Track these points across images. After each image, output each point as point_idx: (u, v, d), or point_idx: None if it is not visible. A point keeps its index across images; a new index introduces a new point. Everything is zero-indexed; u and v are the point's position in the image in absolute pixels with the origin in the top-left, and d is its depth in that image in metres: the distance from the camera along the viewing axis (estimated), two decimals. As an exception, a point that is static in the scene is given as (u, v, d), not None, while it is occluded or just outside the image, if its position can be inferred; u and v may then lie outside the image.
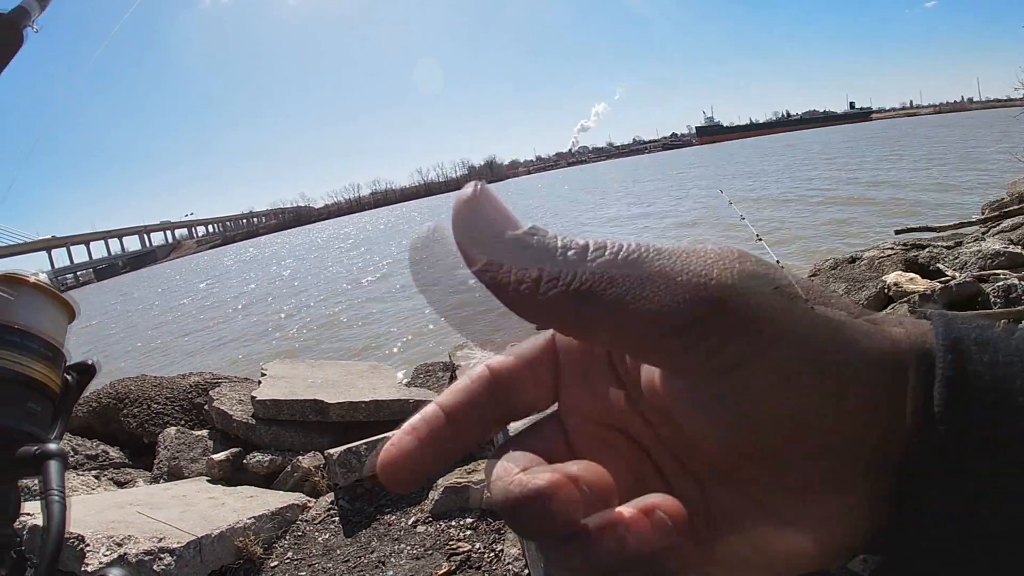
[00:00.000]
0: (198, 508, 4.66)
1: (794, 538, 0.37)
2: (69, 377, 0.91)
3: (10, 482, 0.84)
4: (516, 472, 0.34)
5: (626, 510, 0.33)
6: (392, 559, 4.14)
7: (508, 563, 3.72)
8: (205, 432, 6.49)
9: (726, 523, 0.39)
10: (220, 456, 5.63)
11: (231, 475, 5.58)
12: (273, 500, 4.97)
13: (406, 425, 0.39)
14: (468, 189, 0.35)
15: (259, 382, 6.75)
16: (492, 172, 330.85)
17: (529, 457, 0.38)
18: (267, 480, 5.55)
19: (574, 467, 0.33)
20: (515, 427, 0.44)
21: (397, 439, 0.39)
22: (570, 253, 0.33)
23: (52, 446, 0.81)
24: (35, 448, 0.80)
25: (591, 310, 0.33)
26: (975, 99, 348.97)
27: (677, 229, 25.69)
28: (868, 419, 0.35)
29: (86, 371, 0.94)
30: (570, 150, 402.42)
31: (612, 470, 0.36)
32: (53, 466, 0.79)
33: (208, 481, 5.55)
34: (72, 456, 5.91)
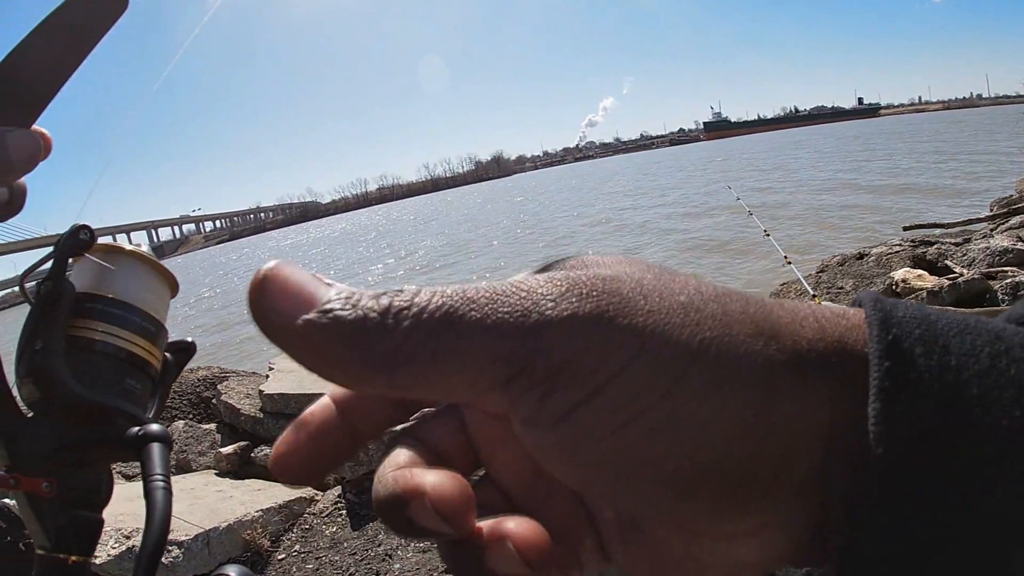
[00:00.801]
0: (206, 501, 4.68)
1: (724, 548, 0.34)
2: (167, 355, 0.88)
3: (105, 464, 0.80)
4: (389, 471, 0.33)
5: (485, 528, 0.31)
6: (399, 552, 4.15)
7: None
8: (213, 426, 6.51)
9: (639, 535, 0.36)
10: (228, 450, 5.65)
11: (239, 468, 5.60)
12: (280, 493, 4.98)
13: (297, 419, 0.38)
14: (258, 273, 0.32)
15: (267, 376, 6.72)
16: (499, 167, 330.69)
17: (408, 455, 0.35)
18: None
19: (431, 477, 0.31)
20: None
21: (285, 435, 0.37)
22: (370, 324, 0.30)
23: (154, 427, 0.77)
24: (137, 429, 0.76)
25: (404, 381, 0.31)
26: (984, 95, 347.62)
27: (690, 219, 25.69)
28: (773, 444, 0.31)
29: (184, 350, 0.90)
30: (577, 145, 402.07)
31: (509, 464, 0.37)
32: (156, 449, 0.75)
33: (216, 474, 5.57)
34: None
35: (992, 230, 9.88)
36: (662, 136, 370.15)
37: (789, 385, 0.32)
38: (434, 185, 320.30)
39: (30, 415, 0.74)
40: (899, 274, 7.52)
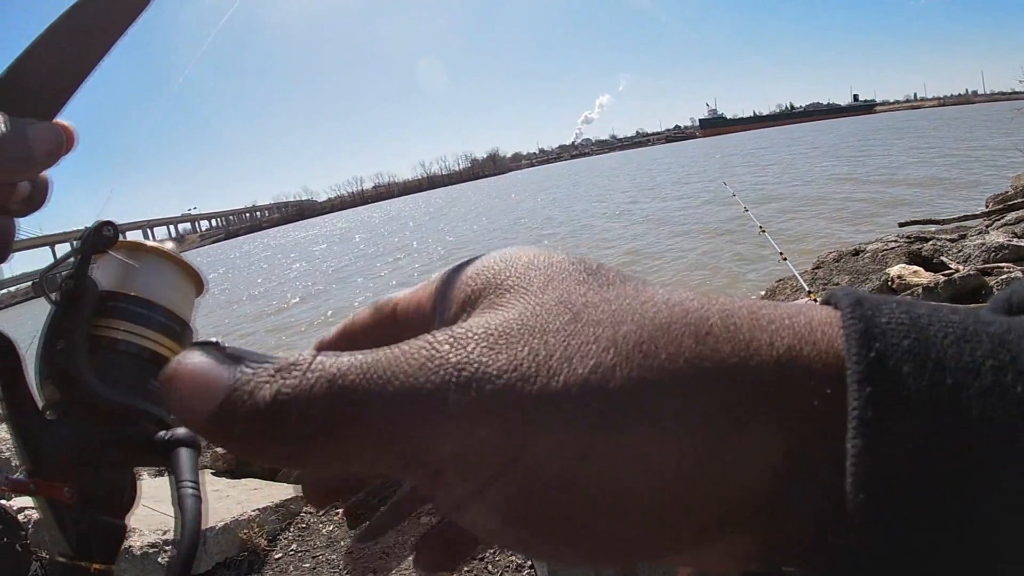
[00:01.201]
0: (202, 501, 4.68)
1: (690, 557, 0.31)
2: None
3: (128, 468, 0.77)
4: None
5: None
6: (396, 550, 4.09)
7: (512, 555, 3.73)
8: None
9: None
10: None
11: (236, 467, 5.60)
12: (277, 492, 4.99)
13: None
14: (166, 368, 0.31)
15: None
16: (495, 165, 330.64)
17: None
18: (272, 472, 5.52)
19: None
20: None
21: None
22: (265, 415, 0.28)
23: (182, 431, 0.75)
24: (164, 433, 0.74)
25: (317, 463, 0.30)
26: (979, 92, 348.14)
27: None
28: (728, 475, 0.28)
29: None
30: (573, 142, 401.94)
31: None
32: (185, 454, 0.73)
33: (212, 474, 5.57)
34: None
35: (988, 226, 9.89)
36: (658, 133, 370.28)
37: (722, 438, 0.28)
38: (430, 183, 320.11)
39: (51, 417, 0.71)
40: (895, 270, 7.53)
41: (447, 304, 0.36)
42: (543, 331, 0.30)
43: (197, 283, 0.86)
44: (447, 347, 0.29)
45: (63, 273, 0.74)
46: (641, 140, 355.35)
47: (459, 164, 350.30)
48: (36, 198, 0.60)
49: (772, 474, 0.28)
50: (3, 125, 0.50)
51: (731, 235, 18.19)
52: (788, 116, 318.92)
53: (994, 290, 6.15)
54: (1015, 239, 7.78)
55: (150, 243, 0.82)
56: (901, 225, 11.66)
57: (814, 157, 48.55)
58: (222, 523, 4.27)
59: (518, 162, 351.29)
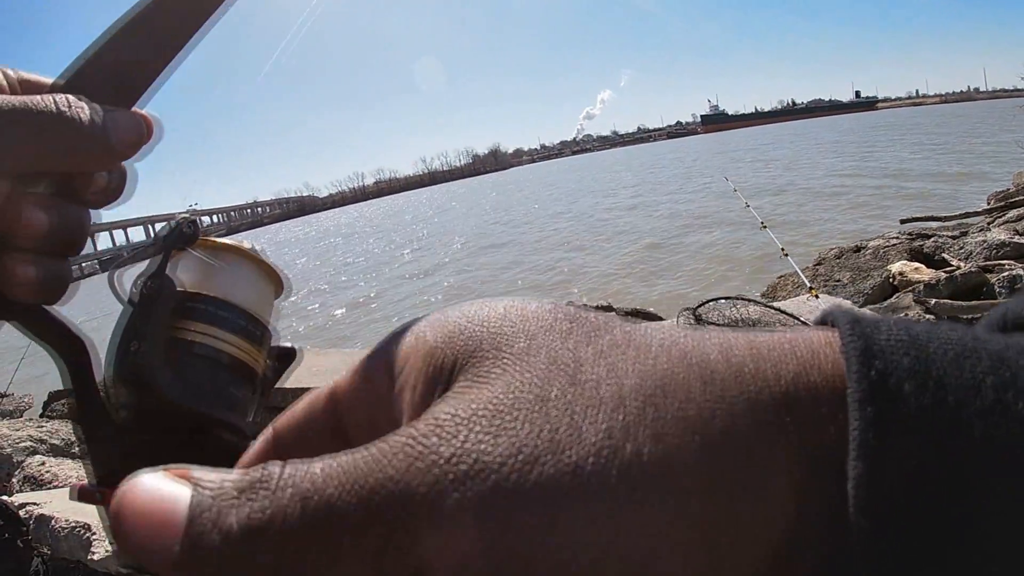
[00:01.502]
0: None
1: None
2: (269, 362, 0.80)
3: None
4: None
5: None
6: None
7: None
8: None
9: None
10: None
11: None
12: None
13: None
14: (113, 503, 0.28)
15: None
16: (496, 160, 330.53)
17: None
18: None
19: None
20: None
21: None
22: (235, 551, 0.25)
23: None
24: (245, 445, 0.72)
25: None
26: (981, 89, 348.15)
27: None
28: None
29: (286, 356, 0.82)
30: (575, 138, 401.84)
31: None
32: None
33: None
34: (79, 446, 5.96)
35: (989, 223, 9.89)
36: (660, 129, 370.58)
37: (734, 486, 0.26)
38: (431, 179, 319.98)
39: (122, 422, 0.68)
40: (896, 267, 7.54)
41: (408, 381, 0.32)
42: (541, 401, 0.27)
43: (277, 284, 0.82)
44: (435, 439, 0.26)
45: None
46: (642, 136, 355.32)
47: (460, 160, 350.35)
48: (115, 189, 0.59)
49: (791, 515, 0.26)
50: (83, 113, 0.49)
51: (732, 231, 18.21)
52: (790, 112, 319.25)
53: (996, 287, 6.15)
54: (1016, 236, 7.78)
55: (230, 241, 0.78)
56: (903, 222, 11.68)
57: (816, 153, 48.58)
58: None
59: (519, 158, 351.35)
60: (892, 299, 6.68)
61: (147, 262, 0.73)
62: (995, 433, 0.24)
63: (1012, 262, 6.91)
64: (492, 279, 20.36)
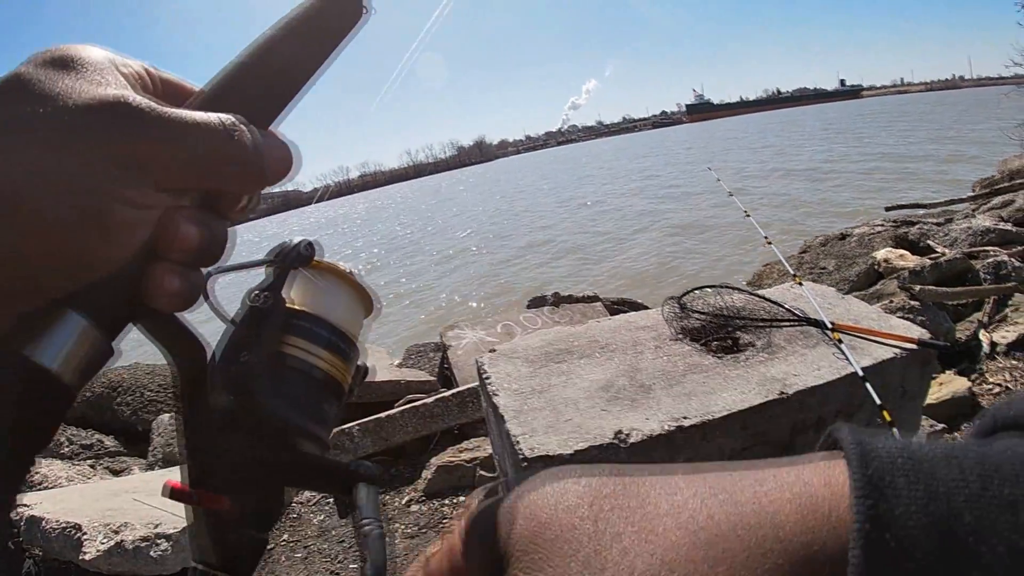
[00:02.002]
0: (193, 493, 4.67)
1: None
2: None
3: (283, 488, 0.75)
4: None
5: None
6: (387, 539, 4.15)
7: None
8: (89, 381, 6.47)
9: None
10: (214, 441, 5.65)
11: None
12: (268, 484, 4.99)
13: None
14: None
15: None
16: (481, 152, 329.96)
17: None
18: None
19: None
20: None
21: None
22: None
23: (367, 464, 0.73)
24: (349, 463, 0.72)
25: None
26: (966, 77, 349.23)
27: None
28: None
29: (363, 373, 0.85)
30: (559, 129, 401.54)
31: None
32: (369, 489, 0.72)
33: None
34: (68, 446, 5.91)
35: (974, 210, 9.94)
36: (645, 119, 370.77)
37: None
38: (416, 171, 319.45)
39: (219, 427, 0.69)
40: (881, 254, 7.57)
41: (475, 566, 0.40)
42: None
43: (368, 305, 0.85)
44: None
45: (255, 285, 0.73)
46: (628, 126, 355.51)
47: (445, 152, 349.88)
48: (252, 208, 0.60)
49: None
50: (247, 138, 0.50)
51: (717, 221, 18.26)
52: (775, 101, 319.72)
53: (980, 273, 6.19)
54: (1001, 223, 7.82)
55: (330, 262, 0.80)
56: (888, 209, 11.74)
57: (800, 141, 48.65)
58: (213, 516, 4.28)
59: (504, 149, 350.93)
60: (877, 285, 6.71)
61: (243, 272, 0.75)
62: (985, 518, 0.27)
63: (997, 248, 6.95)
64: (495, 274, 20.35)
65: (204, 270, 0.57)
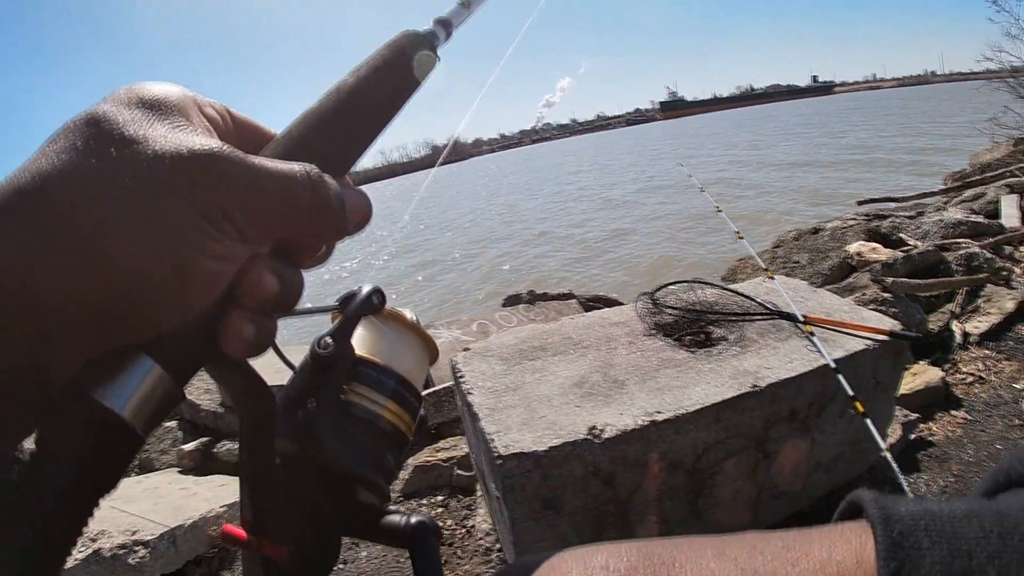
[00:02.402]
0: (170, 499, 4.64)
1: None
2: None
3: (340, 537, 0.75)
4: None
5: None
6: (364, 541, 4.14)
7: (480, 538, 3.75)
8: (174, 423, 6.44)
9: None
10: (190, 446, 5.60)
11: (202, 464, 5.56)
12: (245, 488, 4.95)
13: None
14: None
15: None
16: (455, 151, 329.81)
17: None
18: (237, 468, 5.45)
19: None
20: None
21: None
22: None
23: (427, 519, 0.73)
24: (412, 519, 0.72)
25: None
26: (938, 72, 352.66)
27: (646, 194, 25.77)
28: None
29: (421, 421, 0.82)
30: (534, 127, 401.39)
31: None
32: (432, 544, 0.71)
33: (179, 472, 5.52)
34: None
35: (945, 203, 10.03)
36: (619, 116, 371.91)
37: None
38: (390, 171, 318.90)
39: (282, 474, 0.68)
40: (854, 247, 7.62)
41: None
42: None
43: (432, 353, 0.85)
44: None
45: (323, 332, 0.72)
46: (602, 124, 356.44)
47: (420, 151, 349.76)
48: (325, 256, 0.59)
49: None
50: (329, 191, 0.50)
51: (689, 216, 18.35)
52: (748, 98, 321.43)
53: (952, 264, 6.26)
54: (972, 215, 7.90)
55: (397, 310, 0.81)
56: (860, 203, 11.80)
57: (773, 137, 48.97)
58: (191, 521, 4.23)
59: (479, 148, 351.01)
60: (850, 278, 6.74)
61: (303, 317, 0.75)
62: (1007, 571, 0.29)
63: (968, 240, 7.01)
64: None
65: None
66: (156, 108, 0.45)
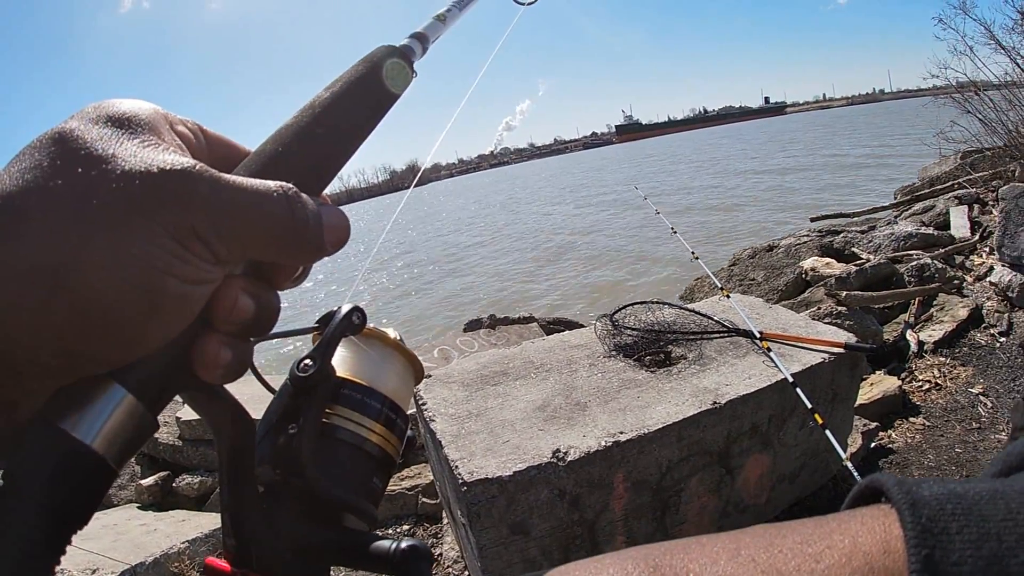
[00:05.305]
0: (130, 536, 4.56)
1: None
2: None
3: (329, 567, 0.71)
4: None
5: None
6: (333, 570, 4.07)
7: (448, 566, 3.71)
8: (131, 458, 6.35)
9: None
10: (148, 481, 5.50)
11: (162, 500, 5.46)
12: (206, 522, 4.87)
13: None
14: None
15: (183, 402, 6.53)
16: (414, 176, 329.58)
17: None
18: (198, 502, 5.40)
19: None
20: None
21: None
22: None
23: (418, 543, 0.68)
24: (403, 544, 0.67)
25: None
26: (887, 90, 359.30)
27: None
28: None
29: (410, 442, 0.80)
30: (492, 151, 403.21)
31: None
32: (425, 570, 0.67)
33: (138, 508, 5.42)
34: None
35: (896, 217, 10.20)
36: (576, 140, 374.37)
37: None
38: (348, 196, 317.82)
39: (264, 503, 0.65)
40: (808, 263, 7.74)
41: None
42: None
43: (418, 372, 0.82)
44: None
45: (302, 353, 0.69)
46: (559, 148, 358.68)
47: (378, 176, 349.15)
48: (301, 277, 0.57)
49: None
50: (306, 211, 0.48)
51: (645, 239, 18.48)
52: (701, 120, 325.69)
53: (904, 276, 6.36)
54: (923, 227, 8.04)
55: (380, 329, 0.78)
56: (812, 220, 11.97)
57: (725, 159, 49.56)
58: (152, 557, 4.16)
59: (438, 172, 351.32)
60: (805, 294, 6.84)
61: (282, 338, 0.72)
62: None
63: (920, 251, 7.14)
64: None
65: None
66: (126, 125, 0.43)
